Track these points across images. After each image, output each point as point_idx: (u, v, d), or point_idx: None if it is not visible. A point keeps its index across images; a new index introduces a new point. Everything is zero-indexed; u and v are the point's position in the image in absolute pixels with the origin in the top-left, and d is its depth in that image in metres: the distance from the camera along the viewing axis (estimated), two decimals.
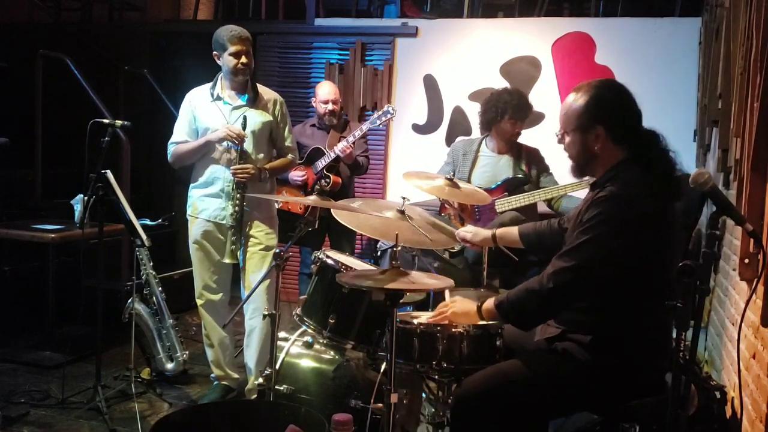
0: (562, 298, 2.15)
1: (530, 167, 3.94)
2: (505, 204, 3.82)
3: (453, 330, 2.42)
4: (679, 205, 2.21)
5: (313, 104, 4.67)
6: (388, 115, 4.26)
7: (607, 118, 2.17)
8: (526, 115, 3.95)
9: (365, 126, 4.32)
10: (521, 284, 2.23)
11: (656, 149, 2.18)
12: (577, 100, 2.21)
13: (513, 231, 2.74)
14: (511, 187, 3.86)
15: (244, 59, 3.41)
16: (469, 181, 3.94)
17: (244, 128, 3.39)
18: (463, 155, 4.05)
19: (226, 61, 3.41)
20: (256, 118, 3.50)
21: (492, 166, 3.97)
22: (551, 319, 2.27)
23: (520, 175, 3.90)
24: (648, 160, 2.15)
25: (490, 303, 2.28)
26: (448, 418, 2.51)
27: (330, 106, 4.53)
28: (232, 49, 3.38)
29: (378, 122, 4.28)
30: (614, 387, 2.17)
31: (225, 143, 3.43)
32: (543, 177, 3.94)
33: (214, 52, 3.45)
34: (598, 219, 2.09)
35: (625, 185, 2.11)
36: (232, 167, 3.40)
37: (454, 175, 3.95)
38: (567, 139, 2.26)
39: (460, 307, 2.41)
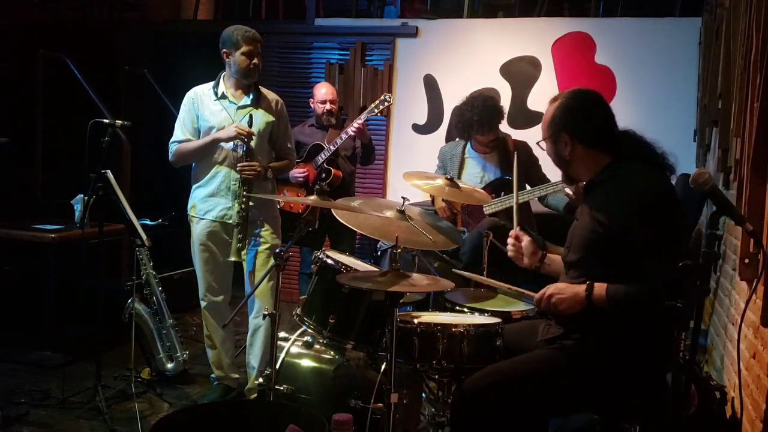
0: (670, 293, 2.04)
1: (517, 161, 3.91)
2: (492, 206, 3.83)
3: (453, 330, 2.42)
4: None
5: (311, 105, 4.69)
6: (386, 103, 4.28)
7: (569, 124, 2.27)
8: (494, 125, 3.91)
9: (364, 115, 4.34)
10: (637, 287, 2.11)
11: (633, 143, 2.27)
12: (548, 111, 2.33)
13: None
14: (496, 189, 3.87)
15: (255, 60, 3.43)
16: None
17: (250, 127, 3.39)
18: (450, 159, 4.08)
19: (238, 60, 3.41)
20: (261, 118, 3.51)
21: (479, 167, 4.00)
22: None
23: (506, 177, 3.90)
24: (637, 156, 2.23)
25: (601, 292, 2.15)
26: (448, 418, 2.52)
27: (327, 106, 4.55)
28: (245, 48, 3.39)
29: (376, 111, 4.30)
30: (615, 386, 2.17)
31: (230, 142, 3.43)
32: (531, 171, 3.92)
33: (224, 50, 3.44)
34: (659, 219, 2.11)
35: (635, 176, 2.17)
36: (239, 165, 3.40)
37: None
38: (545, 147, 2.38)
39: (564, 293, 2.23)
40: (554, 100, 2.33)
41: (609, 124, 2.30)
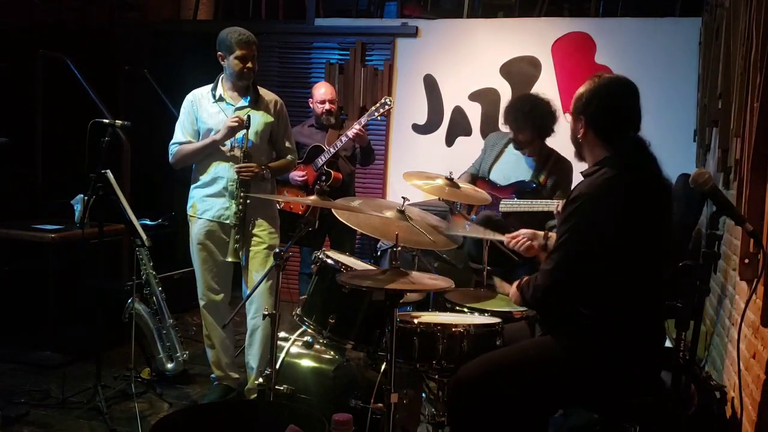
0: (552, 297, 2.24)
1: (549, 177, 3.87)
2: (509, 206, 3.82)
3: (453, 330, 2.42)
4: (676, 206, 2.24)
5: (310, 105, 4.68)
6: (386, 107, 4.27)
7: (589, 111, 2.29)
8: (524, 126, 3.83)
9: (364, 119, 4.33)
10: (528, 278, 2.31)
11: (638, 154, 2.26)
12: (583, 86, 2.34)
13: None
14: (519, 192, 3.85)
15: (249, 64, 3.42)
16: (489, 172, 3.97)
17: (248, 128, 3.39)
18: (492, 146, 4.08)
19: (231, 63, 3.41)
20: (259, 119, 3.51)
21: (513, 163, 3.97)
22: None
23: (533, 184, 3.87)
24: (627, 161, 2.23)
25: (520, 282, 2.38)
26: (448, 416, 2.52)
27: (327, 106, 4.54)
28: (238, 52, 3.39)
29: (376, 114, 4.28)
30: (607, 379, 2.18)
31: (228, 143, 3.44)
32: (559, 192, 3.85)
33: (219, 53, 3.45)
34: (569, 221, 2.19)
35: (591, 184, 2.20)
36: (236, 166, 3.41)
37: (480, 164, 4.04)
38: (568, 119, 2.41)
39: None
40: (592, 78, 2.33)
41: (627, 122, 2.29)
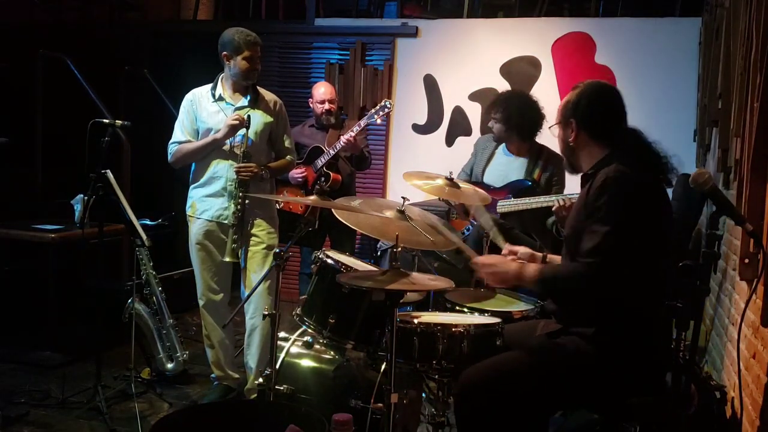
0: (599, 290, 2.15)
1: (543, 173, 3.90)
2: (507, 206, 3.82)
3: (453, 330, 2.42)
4: (676, 206, 2.24)
5: (310, 105, 4.68)
6: (386, 110, 4.26)
7: (579, 112, 2.32)
8: (526, 133, 3.91)
9: (363, 121, 4.33)
10: (565, 266, 2.24)
11: (637, 144, 2.29)
12: (566, 96, 2.39)
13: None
14: (515, 191, 3.86)
15: (257, 65, 3.46)
16: (482, 176, 3.97)
17: (248, 128, 3.39)
18: (482, 150, 4.09)
19: (239, 63, 3.43)
20: (258, 119, 3.51)
21: (505, 166, 3.98)
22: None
23: (528, 182, 3.88)
24: (631, 151, 2.25)
25: (533, 273, 2.28)
26: (448, 418, 2.52)
27: (326, 106, 4.54)
28: (247, 53, 3.41)
29: (375, 117, 4.28)
30: (613, 379, 2.18)
31: (228, 142, 3.44)
32: (555, 187, 3.89)
33: (224, 53, 3.45)
34: (609, 206, 2.13)
35: (615, 168, 2.18)
36: (235, 166, 3.41)
37: (472, 169, 4.05)
38: (555, 131, 2.43)
39: (499, 267, 2.39)
40: (575, 87, 2.38)
41: (617, 119, 2.34)
